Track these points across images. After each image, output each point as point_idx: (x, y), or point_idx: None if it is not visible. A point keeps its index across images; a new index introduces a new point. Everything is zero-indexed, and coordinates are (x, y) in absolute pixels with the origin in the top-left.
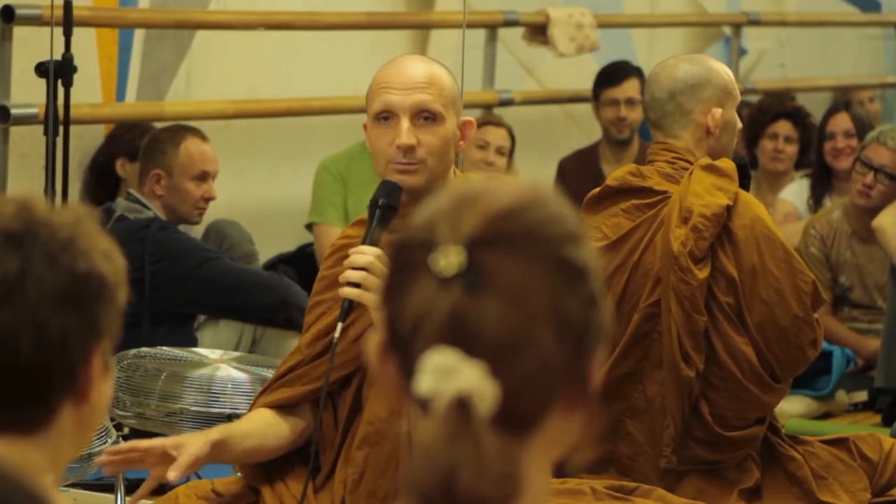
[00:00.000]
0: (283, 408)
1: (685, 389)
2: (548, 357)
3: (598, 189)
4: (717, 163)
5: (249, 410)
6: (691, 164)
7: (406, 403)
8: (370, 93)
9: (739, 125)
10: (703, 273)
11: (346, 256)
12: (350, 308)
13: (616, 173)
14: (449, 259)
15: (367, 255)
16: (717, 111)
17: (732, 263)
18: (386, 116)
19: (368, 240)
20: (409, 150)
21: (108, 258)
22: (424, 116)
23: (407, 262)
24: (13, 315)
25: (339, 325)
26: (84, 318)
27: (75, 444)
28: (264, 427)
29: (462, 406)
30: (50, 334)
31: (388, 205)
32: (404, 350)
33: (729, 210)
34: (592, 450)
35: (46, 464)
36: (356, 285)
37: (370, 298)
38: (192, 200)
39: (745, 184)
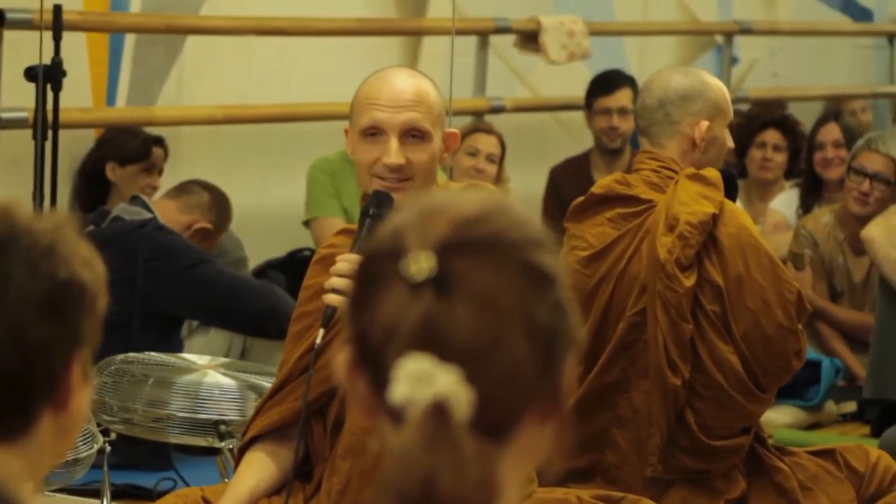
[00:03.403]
0: (276, 434)
1: (671, 397)
2: (520, 362)
3: (582, 198)
4: (703, 172)
5: (243, 436)
6: (676, 173)
7: (377, 419)
8: (357, 105)
9: (731, 144)
10: (689, 281)
11: (332, 265)
12: (333, 315)
13: (601, 181)
14: (420, 264)
15: (352, 262)
16: (704, 123)
17: (718, 272)
18: (373, 133)
19: (356, 248)
20: (397, 168)
21: (88, 265)
22: (413, 134)
23: (374, 273)
24: None
25: (321, 332)
26: (64, 325)
27: (54, 452)
28: (264, 470)
29: (439, 411)
30: (30, 342)
31: (379, 214)
32: (375, 361)
33: (715, 219)
34: (565, 461)
35: (25, 472)
36: (342, 293)
37: None
38: None
39: (731, 195)
